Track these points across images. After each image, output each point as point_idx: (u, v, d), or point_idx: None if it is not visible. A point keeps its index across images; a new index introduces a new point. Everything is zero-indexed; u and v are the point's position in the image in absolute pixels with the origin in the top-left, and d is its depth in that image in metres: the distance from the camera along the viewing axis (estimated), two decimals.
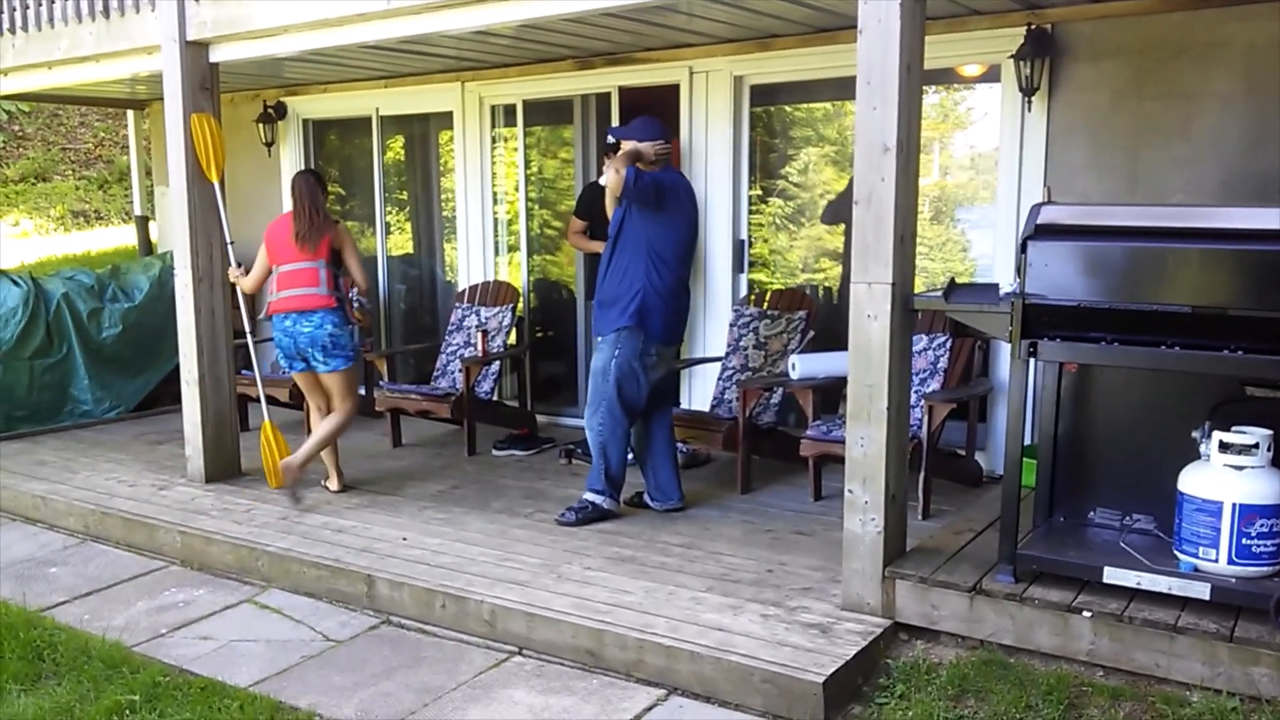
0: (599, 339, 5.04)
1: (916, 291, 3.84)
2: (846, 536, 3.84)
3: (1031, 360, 3.62)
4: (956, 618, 3.71)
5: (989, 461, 5.56)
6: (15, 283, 7.30)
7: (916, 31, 3.65)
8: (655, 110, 6.89)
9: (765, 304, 6.02)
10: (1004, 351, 5.42)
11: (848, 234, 6.13)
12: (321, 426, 5.56)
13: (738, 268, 6.37)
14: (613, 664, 3.75)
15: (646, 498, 5.24)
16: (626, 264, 4.93)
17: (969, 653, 3.67)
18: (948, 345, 5.26)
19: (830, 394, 5.47)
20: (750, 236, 6.40)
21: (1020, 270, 3.60)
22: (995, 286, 3.81)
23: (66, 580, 4.87)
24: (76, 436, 7.08)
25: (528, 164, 7.33)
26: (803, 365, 5.32)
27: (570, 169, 7.24)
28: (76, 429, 7.28)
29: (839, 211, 6.12)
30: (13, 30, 6.41)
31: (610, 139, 5.80)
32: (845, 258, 6.24)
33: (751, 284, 6.42)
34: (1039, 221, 3.61)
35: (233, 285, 5.83)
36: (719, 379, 6.02)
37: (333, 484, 5.66)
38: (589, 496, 5.03)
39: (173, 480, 5.91)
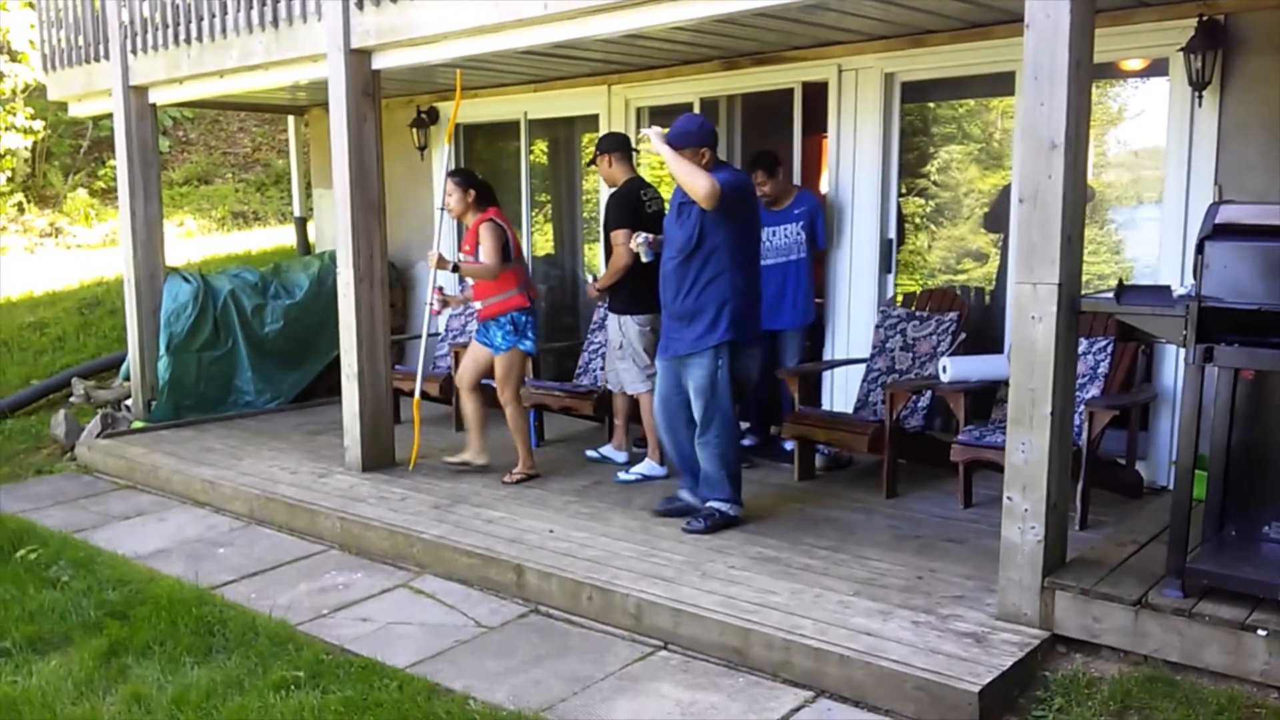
0: (687, 356, 4.87)
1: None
2: (1004, 545, 3.74)
3: (1206, 366, 3.46)
4: (1119, 632, 3.57)
5: (1149, 472, 5.33)
6: (186, 279, 7.72)
7: (1086, 25, 3.54)
8: (787, 114, 6.91)
9: (914, 305, 5.91)
10: (1169, 357, 5.23)
11: (1004, 236, 6.01)
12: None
13: (884, 268, 6.28)
14: (759, 663, 3.75)
15: (685, 494, 5.15)
16: (708, 273, 4.76)
17: (1132, 668, 3.53)
18: (1109, 350, 5.06)
19: (981, 398, 5.35)
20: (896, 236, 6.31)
21: (1197, 272, 3.45)
22: (1168, 288, 3.66)
23: (234, 560, 5.12)
24: (240, 425, 7.44)
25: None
26: (954, 368, 5.20)
27: None
28: (240, 418, 7.65)
29: (1002, 217, 5.98)
30: (189, 41, 6.78)
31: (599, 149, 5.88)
32: (1002, 258, 6.09)
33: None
34: (1218, 221, 3.45)
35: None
36: (864, 380, 5.94)
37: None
38: (716, 505, 4.95)
39: (331, 469, 6.16)
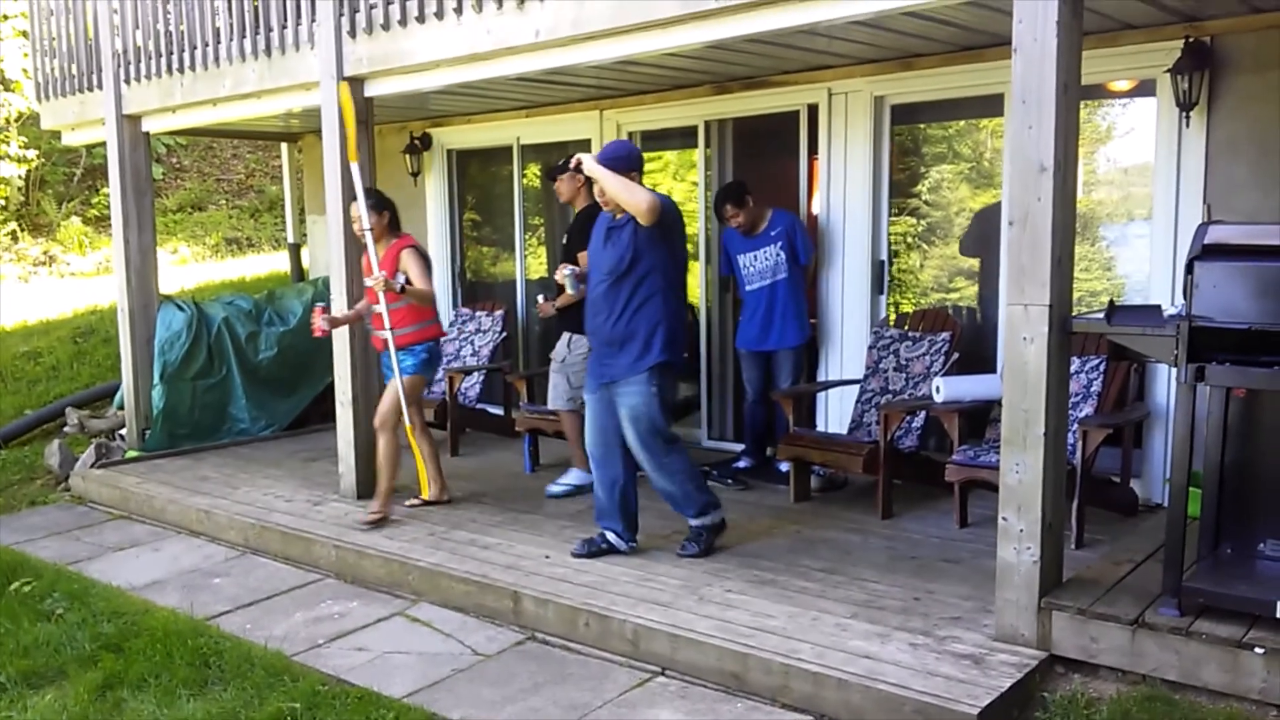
0: (617, 383, 4.74)
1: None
2: (1000, 565, 3.74)
3: (1198, 385, 3.47)
4: (1117, 651, 3.57)
5: (1144, 489, 5.35)
6: (180, 307, 7.72)
7: (1074, 49, 3.58)
8: (777, 137, 6.95)
9: (907, 325, 5.93)
10: (1161, 376, 5.25)
11: (983, 259, 6.04)
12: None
13: (877, 289, 6.31)
14: (757, 688, 3.73)
15: (612, 539, 4.93)
16: (640, 296, 4.67)
17: (1130, 688, 3.53)
18: (1102, 368, 5.08)
19: (976, 418, 5.36)
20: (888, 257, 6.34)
21: (1187, 292, 3.47)
22: (1158, 308, 3.68)
23: (229, 590, 5.10)
24: (234, 453, 7.42)
25: (654, 187, 7.42)
26: (947, 388, 5.22)
27: (698, 193, 7.27)
28: (234, 446, 7.63)
29: (980, 240, 6.02)
30: (182, 70, 6.81)
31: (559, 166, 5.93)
32: (982, 278, 6.12)
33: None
34: (1207, 241, 3.48)
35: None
36: (857, 401, 5.95)
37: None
38: (697, 523, 4.89)
39: (326, 496, 6.14)
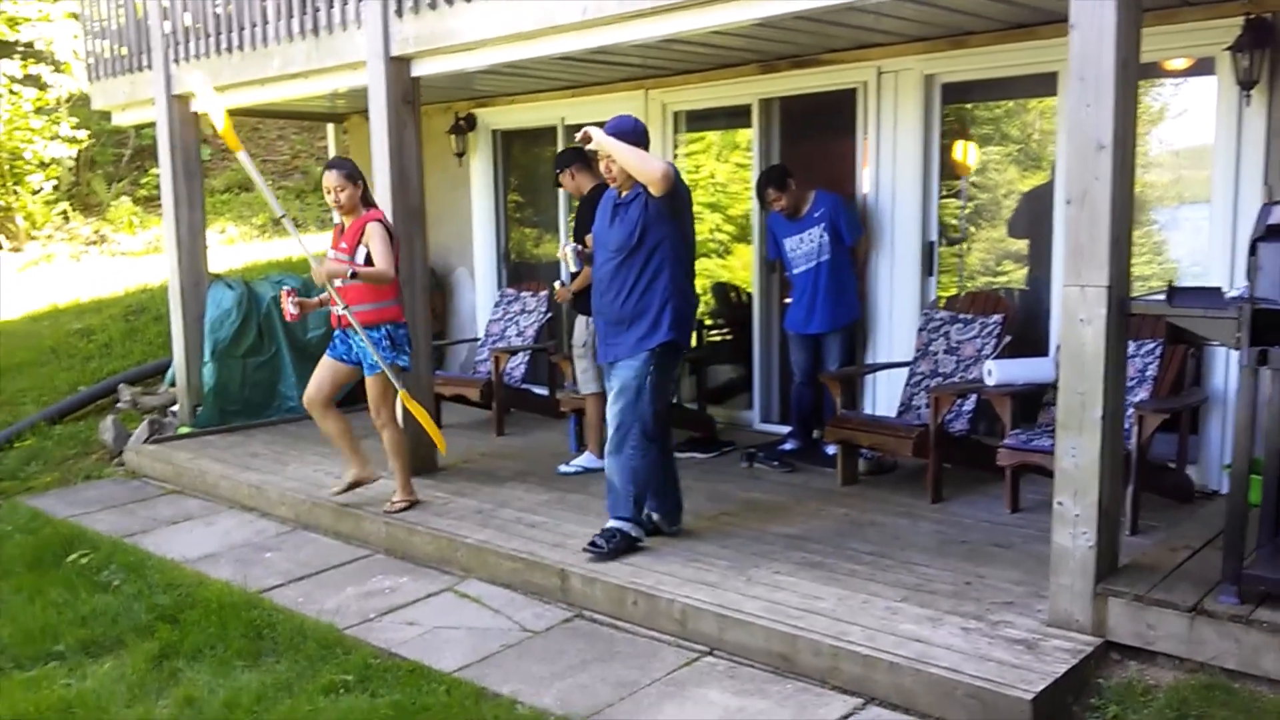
0: (618, 362, 4.67)
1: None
2: (1055, 550, 3.70)
3: (1260, 369, 3.40)
4: (1174, 639, 3.52)
5: (1200, 476, 5.26)
6: (230, 286, 7.81)
7: (1133, 25, 3.50)
8: (825, 116, 6.90)
9: (957, 307, 5.87)
10: (1219, 360, 5.15)
11: (1032, 241, 5.96)
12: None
13: (926, 271, 6.24)
14: (806, 669, 3.73)
15: (657, 519, 4.88)
16: (649, 272, 4.57)
17: (1188, 676, 3.48)
18: (1158, 352, 5.00)
19: (1027, 401, 5.30)
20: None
21: (1250, 274, 3.40)
22: (1219, 290, 3.61)
23: (281, 565, 5.17)
24: (284, 430, 7.52)
25: (696, 168, 7.40)
26: (999, 371, 5.16)
27: (745, 173, 7.23)
28: (283, 423, 7.73)
29: (1031, 222, 5.93)
30: (230, 50, 6.87)
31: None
32: (1031, 260, 6.04)
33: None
34: (1271, 222, 3.40)
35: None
36: (906, 384, 5.90)
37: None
38: (617, 525, 4.69)
39: (375, 472, 6.18)
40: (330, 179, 5.31)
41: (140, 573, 5.04)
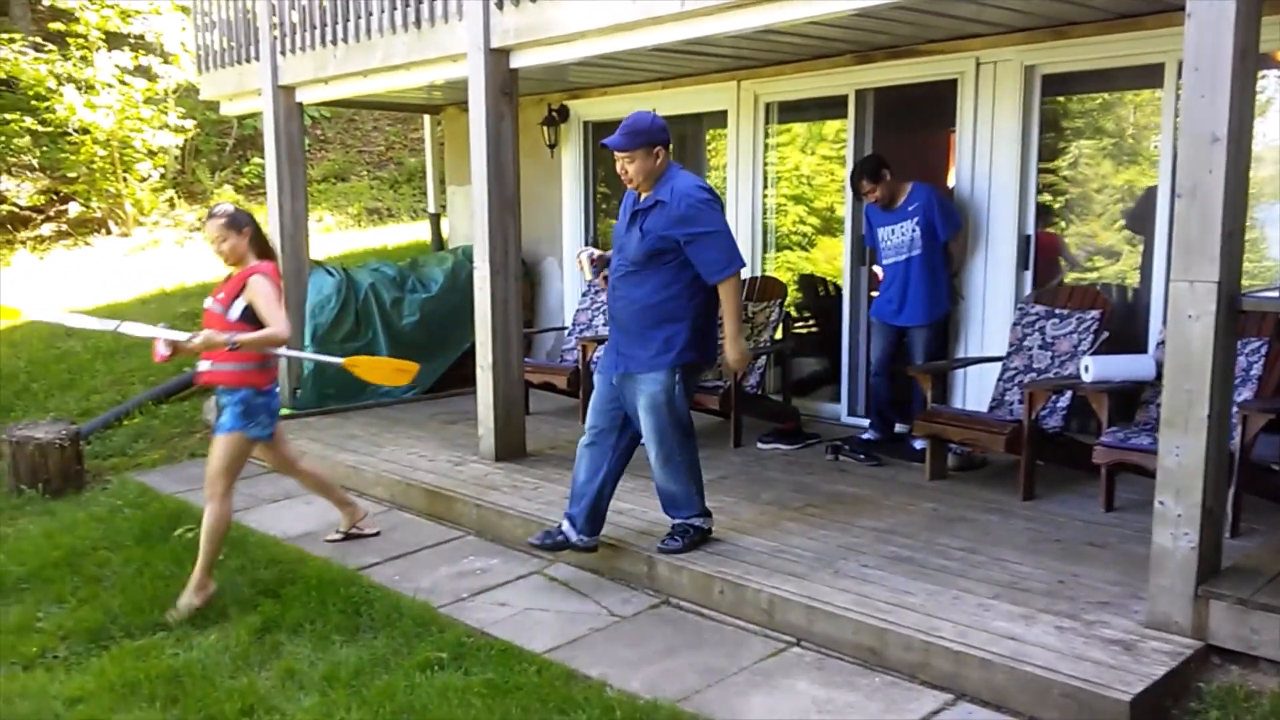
0: (635, 375, 4.44)
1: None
2: (1155, 551, 3.62)
3: None
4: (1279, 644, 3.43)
5: None
6: (330, 273, 8.03)
7: (1252, 13, 3.39)
8: (921, 107, 6.80)
9: (1054, 302, 5.75)
10: None
11: (1147, 236, 5.81)
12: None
13: (1022, 265, 6.14)
14: (895, 664, 3.72)
15: (567, 529, 4.64)
16: (666, 284, 4.34)
17: None
18: (1264, 351, 4.84)
19: (1124, 399, 5.18)
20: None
21: None
22: None
23: (377, 544, 5.31)
24: (379, 414, 7.71)
25: (781, 160, 7.38)
26: (1097, 367, 5.05)
27: (832, 165, 7.18)
28: (378, 407, 7.93)
29: (1141, 218, 5.80)
30: (335, 42, 7.05)
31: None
32: (1145, 257, 5.89)
33: None
34: None
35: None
36: (999, 380, 5.81)
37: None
38: (686, 521, 4.64)
39: (466, 457, 6.33)
40: (211, 229, 4.64)
41: (243, 548, 5.21)
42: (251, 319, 4.54)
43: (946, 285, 6.22)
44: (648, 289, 4.37)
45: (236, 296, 4.57)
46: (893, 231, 6.16)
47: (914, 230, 6.07)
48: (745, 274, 7.38)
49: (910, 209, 6.10)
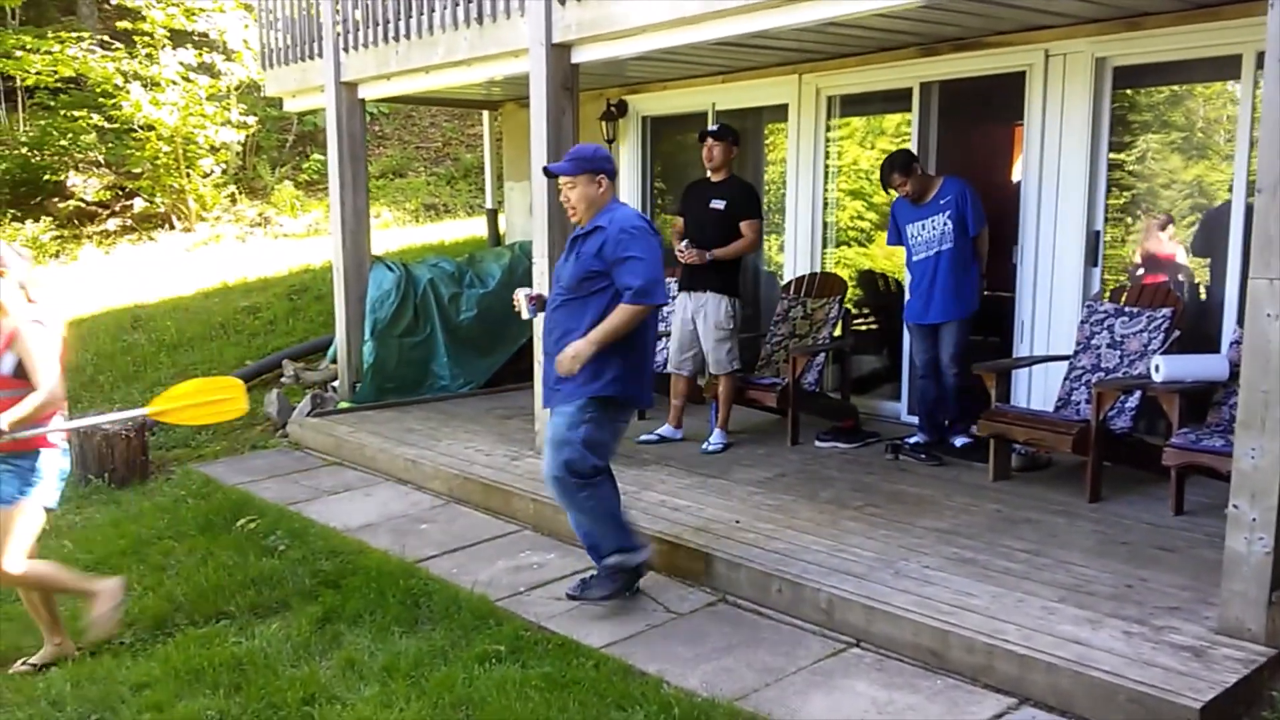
0: (558, 407, 4.23)
1: None
2: (1228, 555, 3.53)
3: None
4: None
5: None
6: (390, 268, 8.10)
7: None
8: (988, 101, 6.67)
9: (1123, 300, 5.63)
10: None
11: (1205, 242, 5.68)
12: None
13: (1090, 261, 6.02)
14: (958, 666, 3.66)
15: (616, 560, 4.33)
16: (602, 314, 4.11)
17: None
18: None
19: (1196, 400, 5.05)
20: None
21: None
22: None
23: (435, 536, 5.35)
24: (436, 408, 7.76)
25: (840, 154, 7.31)
26: (1167, 367, 4.92)
27: None
28: (435, 401, 7.98)
29: (1207, 243, 5.67)
30: (397, 39, 7.10)
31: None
32: (1213, 256, 5.74)
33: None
34: None
35: None
36: (1066, 378, 5.69)
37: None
38: (613, 561, 4.30)
39: (522, 452, 6.35)
40: None
41: (304, 539, 5.29)
42: (24, 379, 4.00)
43: (978, 281, 6.07)
44: (583, 320, 4.14)
45: (5, 350, 3.99)
46: (923, 227, 6.05)
47: (945, 224, 5.95)
48: (804, 270, 7.35)
49: (943, 202, 5.98)
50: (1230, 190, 5.52)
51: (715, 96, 7.94)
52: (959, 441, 6.06)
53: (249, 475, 6.61)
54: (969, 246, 6.01)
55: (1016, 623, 3.72)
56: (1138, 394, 5.25)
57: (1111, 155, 6.00)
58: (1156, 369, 4.96)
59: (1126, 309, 5.56)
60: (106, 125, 15.52)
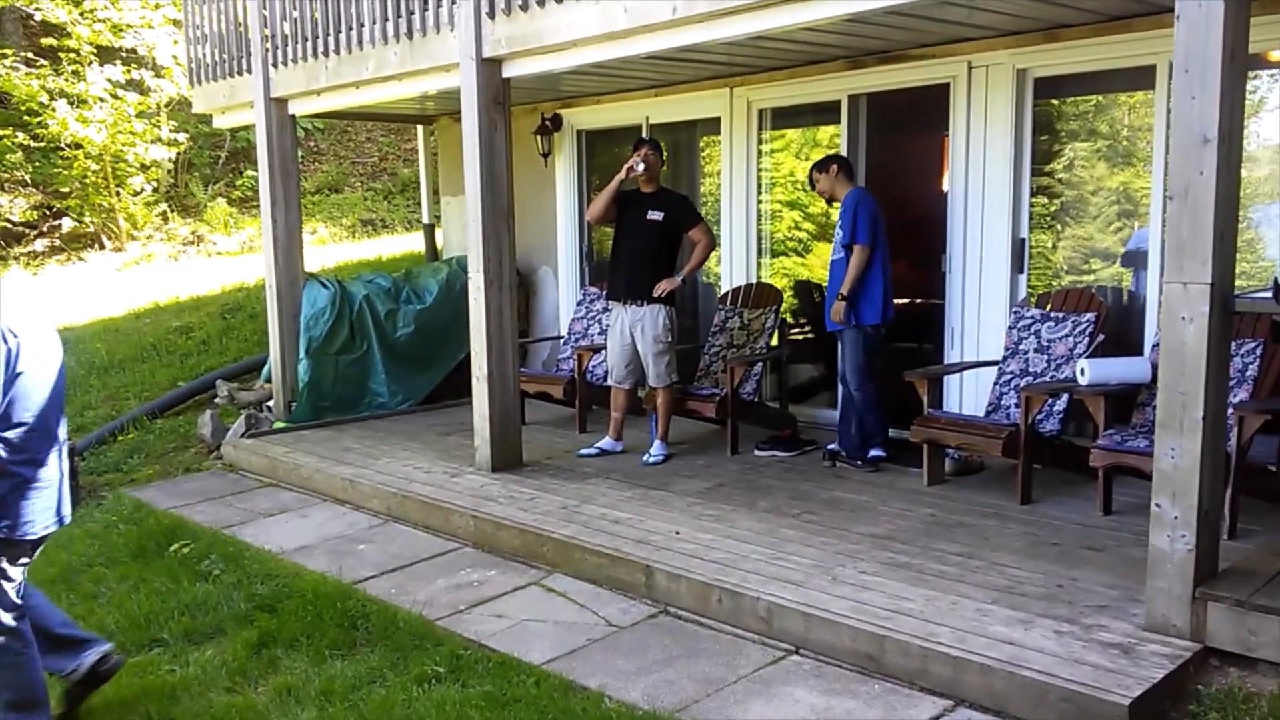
0: None
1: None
2: (1152, 553, 3.62)
3: None
4: (1278, 646, 3.42)
5: None
6: (324, 285, 8.01)
7: (1241, 14, 3.40)
8: (913, 112, 6.77)
9: (1049, 305, 5.75)
10: None
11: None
12: None
13: (1016, 268, 6.15)
14: (894, 670, 3.70)
15: None
16: None
17: None
18: (1258, 353, 4.84)
19: (1121, 402, 5.18)
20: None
21: None
22: None
23: (373, 556, 5.29)
24: (374, 426, 7.68)
25: (776, 166, 7.38)
26: (1093, 370, 5.04)
27: None
28: (374, 419, 7.90)
29: (1138, 258, 5.83)
30: (326, 54, 7.04)
31: None
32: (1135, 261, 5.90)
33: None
34: None
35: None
36: (995, 384, 5.80)
37: None
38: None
39: (462, 469, 6.31)
40: None
41: (239, 563, 5.20)
42: None
43: (880, 294, 5.89)
44: None
45: None
46: (836, 232, 6.10)
47: (839, 233, 5.99)
48: (741, 280, 7.41)
49: (842, 211, 5.99)
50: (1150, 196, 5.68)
51: (649, 110, 7.99)
52: (871, 454, 6.04)
53: (182, 499, 6.49)
54: (876, 256, 5.91)
55: (951, 625, 3.78)
56: (1065, 397, 5.37)
57: (1040, 164, 6.14)
58: (1082, 372, 5.08)
59: (1052, 314, 5.68)
60: (33, 144, 15.16)
